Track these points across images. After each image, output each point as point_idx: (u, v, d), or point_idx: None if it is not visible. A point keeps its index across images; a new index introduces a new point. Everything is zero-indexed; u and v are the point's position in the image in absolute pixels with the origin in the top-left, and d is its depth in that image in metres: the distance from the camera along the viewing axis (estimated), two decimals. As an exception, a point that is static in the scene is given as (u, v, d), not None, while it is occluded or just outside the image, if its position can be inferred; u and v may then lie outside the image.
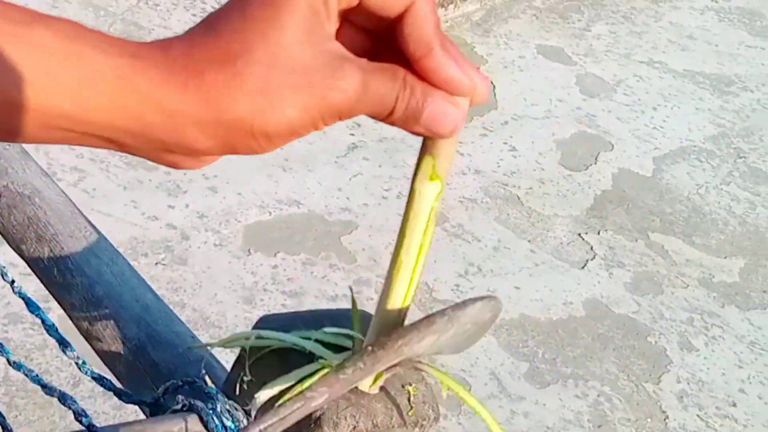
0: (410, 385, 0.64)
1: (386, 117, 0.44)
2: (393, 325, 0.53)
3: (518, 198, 2.79)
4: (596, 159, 3.03)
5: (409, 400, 0.63)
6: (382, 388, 0.62)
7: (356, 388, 0.61)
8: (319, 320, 0.66)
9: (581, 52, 3.55)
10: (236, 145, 0.42)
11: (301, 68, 0.42)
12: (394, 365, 0.55)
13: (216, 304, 2.20)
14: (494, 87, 3.24)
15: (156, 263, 2.26)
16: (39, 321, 2.05)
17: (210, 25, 0.42)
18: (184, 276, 2.26)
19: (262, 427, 0.47)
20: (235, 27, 0.42)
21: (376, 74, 0.43)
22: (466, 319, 0.50)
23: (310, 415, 0.60)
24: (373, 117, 0.45)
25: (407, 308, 0.53)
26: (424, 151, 0.48)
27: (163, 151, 0.43)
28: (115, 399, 1.97)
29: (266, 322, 0.65)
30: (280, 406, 0.49)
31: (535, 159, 2.97)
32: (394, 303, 0.52)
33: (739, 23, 3.97)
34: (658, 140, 3.18)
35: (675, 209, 2.90)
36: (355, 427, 0.60)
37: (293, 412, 0.48)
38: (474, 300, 0.49)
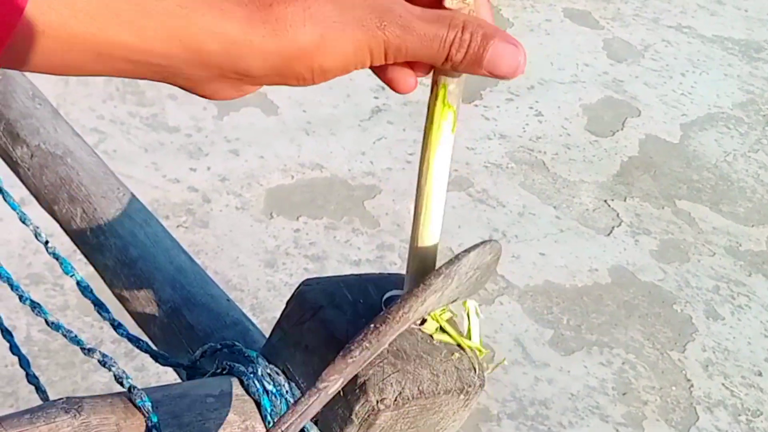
0: (456, 352, 0.63)
1: (445, 62, 0.46)
2: (427, 267, 0.54)
3: (544, 163, 2.76)
4: (623, 125, 2.99)
5: (455, 366, 0.62)
6: (428, 352, 0.61)
7: (403, 351, 0.60)
8: (364, 285, 0.65)
9: (609, 16, 3.49)
10: (289, 75, 0.44)
11: (360, 6, 0.44)
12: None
13: (238, 268, 2.20)
14: (520, 51, 3.19)
15: (177, 226, 2.26)
16: (60, 283, 2.05)
17: None
18: (206, 239, 2.25)
19: (283, 427, 0.47)
20: None
21: (428, 21, 0.45)
22: (464, 269, 0.50)
23: (355, 380, 0.59)
24: (431, 62, 0.47)
25: (436, 247, 0.54)
26: (437, 81, 0.49)
27: (214, 78, 0.44)
28: (137, 361, 1.98)
29: (309, 287, 0.64)
30: (296, 402, 0.48)
31: (561, 124, 2.93)
32: (426, 241, 0.54)
33: (769, -13, 3.90)
34: (686, 106, 3.13)
35: (702, 176, 2.86)
36: (400, 393, 0.59)
37: (311, 405, 0.48)
38: (467, 251, 0.49)
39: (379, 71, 0.48)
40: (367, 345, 0.48)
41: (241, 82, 0.45)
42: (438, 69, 0.49)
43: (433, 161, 0.52)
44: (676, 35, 3.48)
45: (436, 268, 0.50)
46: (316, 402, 0.48)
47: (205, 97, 0.46)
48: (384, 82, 0.49)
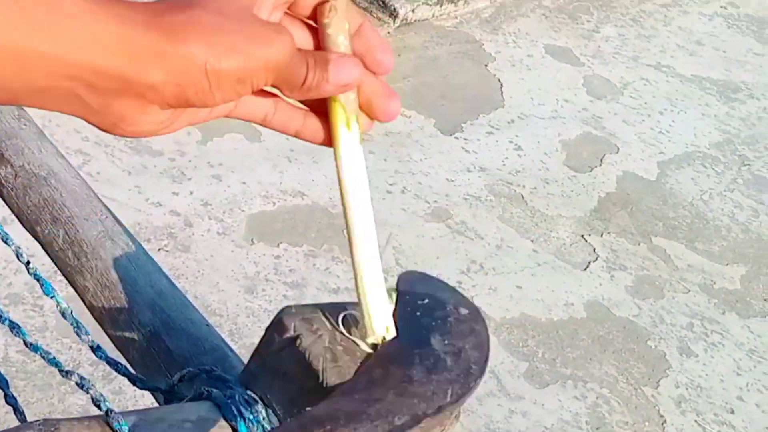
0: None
1: (300, 86, 0.51)
2: (381, 306, 0.57)
3: (522, 197, 2.79)
4: (601, 161, 3.03)
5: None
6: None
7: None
8: (342, 312, 0.66)
9: (589, 54, 3.54)
10: (189, 85, 0.47)
11: (249, 23, 0.48)
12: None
13: (217, 293, 2.20)
14: (501, 85, 3.23)
15: (159, 249, 2.26)
16: (40, 303, 2.03)
17: None
18: (187, 263, 2.25)
19: None
20: None
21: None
22: None
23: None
24: (288, 88, 0.51)
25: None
26: (332, 105, 0.55)
27: (120, 95, 0.46)
28: (114, 384, 1.97)
29: (288, 314, 0.64)
30: None
31: (541, 159, 2.96)
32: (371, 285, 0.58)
33: (747, 30, 3.97)
34: (664, 144, 3.18)
35: (678, 214, 2.90)
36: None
37: None
38: None
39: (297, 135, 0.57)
40: None
41: (145, 98, 0.47)
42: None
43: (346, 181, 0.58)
44: (655, 74, 3.54)
45: None
46: None
47: (112, 130, 0.49)
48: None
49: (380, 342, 0.60)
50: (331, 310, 0.66)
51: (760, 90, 3.61)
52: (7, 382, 0.75)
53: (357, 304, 0.68)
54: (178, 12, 0.47)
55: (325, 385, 0.60)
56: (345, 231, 0.58)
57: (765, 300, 2.66)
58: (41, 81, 0.45)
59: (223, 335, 2.25)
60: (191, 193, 2.46)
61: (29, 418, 0.81)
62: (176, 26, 0.46)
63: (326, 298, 2.24)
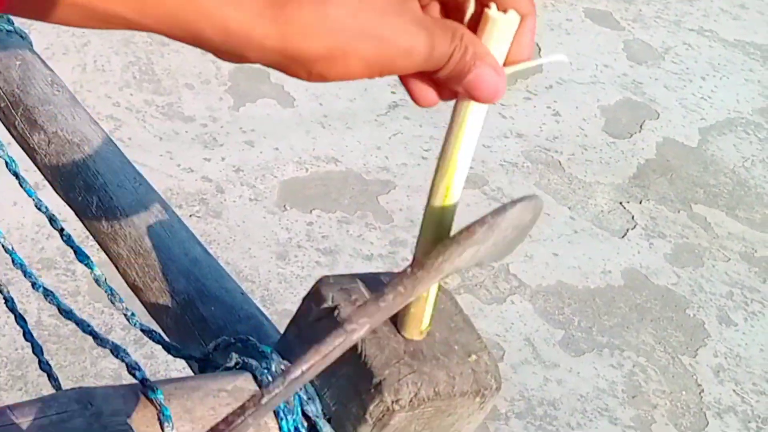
0: (473, 354, 0.62)
1: (433, 72, 0.45)
2: (443, 229, 0.52)
3: (560, 164, 2.75)
4: (641, 127, 2.97)
5: (471, 369, 0.61)
6: (444, 354, 0.60)
7: (420, 352, 0.60)
8: (381, 283, 0.64)
9: (630, 18, 3.47)
10: (285, 69, 0.42)
11: (383, 26, 0.42)
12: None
13: (249, 259, 2.19)
14: (539, 50, 3.18)
15: (190, 215, 2.26)
16: (72, 268, 2.05)
17: None
18: (218, 229, 2.25)
19: (305, 367, 0.45)
20: None
21: (440, 34, 0.44)
22: (506, 224, 0.47)
23: (370, 380, 0.58)
24: (426, 69, 0.45)
25: (455, 208, 0.52)
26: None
27: (211, 50, 0.43)
28: (146, 349, 1.98)
29: (326, 284, 0.63)
30: (320, 343, 0.46)
31: (579, 125, 2.92)
32: (445, 203, 0.52)
33: (793, -8, 3.86)
34: (705, 110, 3.11)
35: (719, 181, 2.84)
36: (416, 394, 0.58)
37: (335, 348, 0.45)
38: (513, 202, 0.46)
39: (402, 80, 0.48)
40: (402, 290, 0.45)
41: (237, 60, 0.43)
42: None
43: (468, 114, 0.50)
44: (697, 39, 3.46)
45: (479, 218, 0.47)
46: (340, 345, 0.45)
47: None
48: (407, 91, 0.48)
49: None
50: (370, 279, 0.65)
51: (805, 54, 3.51)
52: (41, 348, 0.75)
53: (395, 274, 0.66)
54: (306, 5, 0.40)
55: (363, 356, 0.59)
56: (435, 173, 0.52)
57: (807, 269, 2.61)
58: (123, 28, 0.42)
59: (255, 301, 2.26)
60: (223, 159, 2.45)
61: (62, 382, 0.80)
62: (295, 25, 0.40)
63: (359, 265, 2.23)
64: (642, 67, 3.23)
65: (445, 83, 0.46)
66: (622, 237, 2.55)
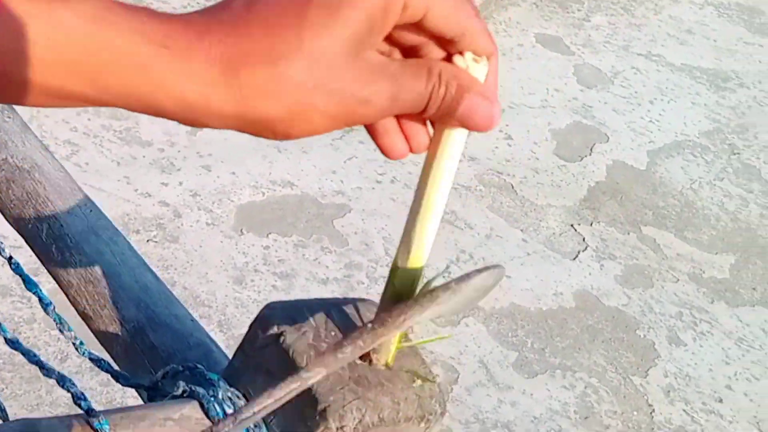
0: (418, 379, 0.63)
1: (420, 113, 0.44)
2: (409, 289, 0.53)
3: (512, 187, 2.79)
4: (591, 150, 3.03)
5: (416, 394, 0.62)
6: (389, 379, 0.62)
7: (365, 378, 0.61)
8: (327, 309, 0.65)
9: (579, 43, 3.54)
10: (252, 132, 0.42)
11: (338, 79, 0.41)
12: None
13: (206, 284, 2.19)
14: (492, 74, 3.23)
15: (147, 240, 2.25)
16: (27, 295, 2.03)
17: (255, 10, 0.41)
18: (176, 254, 2.25)
19: (256, 409, 0.46)
20: (288, 22, 0.40)
21: (409, 76, 0.43)
22: (469, 288, 0.49)
23: (315, 407, 0.59)
24: (405, 115, 0.45)
25: (422, 271, 0.53)
26: None
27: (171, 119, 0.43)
28: (103, 375, 1.96)
29: (272, 311, 0.64)
30: (274, 387, 0.47)
31: (530, 148, 2.96)
32: (414, 262, 0.53)
33: (738, 19, 3.97)
34: (654, 134, 3.18)
35: (668, 203, 2.90)
36: (360, 420, 0.59)
37: (290, 392, 0.47)
38: (479, 271, 0.48)
39: (371, 134, 0.47)
40: (361, 344, 0.47)
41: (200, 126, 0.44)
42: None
43: (440, 174, 0.49)
44: (645, 63, 3.54)
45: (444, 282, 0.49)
46: (294, 390, 0.47)
47: None
48: (377, 145, 0.47)
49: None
50: (316, 305, 0.66)
51: (750, 79, 3.61)
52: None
53: (342, 301, 0.68)
54: (260, 68, 0.40)
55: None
56: (415, 202, 0.51)
57: (754, 289, 2.67)
58: (84, 105, 0.42)
59: (212, 326, 2.24)
60: (180, 183, 2.45)
61: (17, 411, 0.80)
62: (246, 89, 0.40)
63: (315, 289, 2.24)
64: (592, 91, 3.30)
65: (438, 121, 0.46)
66: (574, 259, 2.59)
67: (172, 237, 2.29)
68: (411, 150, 0.48)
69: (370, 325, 0.48)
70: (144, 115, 0.43)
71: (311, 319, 0.64)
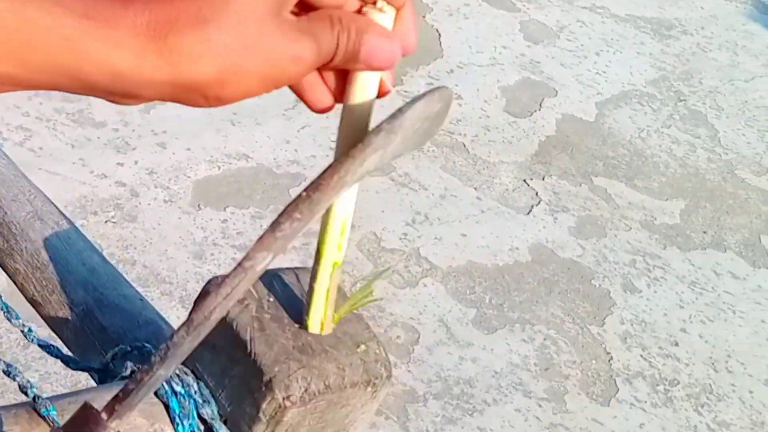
0: (362, 344, 0.64)
1: (327, 64, 0.45)
2: (360, 130, 0.49)
3: (464, 146, 2.81)
4: (540, 105, 3.05)
5: (360, 359, 0.64)
6: (333, 346, 0.63)
7: (308, 347, 0.62)
8: (269, 280, 0.66)
9: (525, -1, 3.55)
10: (182, 100, 0.43)
11: (267, 39, 0.42)
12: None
13: (167, 260, 2.19)
14: (440, 35, 3.23)
15: (106, 221, 2.24)
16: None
17: None
18: (134, 233, 2.24)
19: (206, 312, 0.44)
20: None
21: (319, 28, 0.44)
22: (409, 123, 0.46)
23: (261, 378, 0.61)
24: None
25: (372, 106, 0.50)
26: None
27: (101, 95, 0.43)
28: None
29: (215, 284, 0.65)
30: (220, 284, 0.45)
31: (481, 106, 2.98)
32: (360, 98, 0.49)
33: (679, -34, 4.00)
34: (601, 85, 3.21)
35: (617, 153, 2.94)
36: (306, 389, 0.60)
37: (237, 286, 0.45)
38: (412, 101, 0.45)
39: (297, 92, 0.48)
40: (298, 216, 0.44)
41: (132, 100, 0.44)
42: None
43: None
44: (590, 15, 3.56)
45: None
46: (242, 282, 0.44)
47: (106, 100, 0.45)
48: (304, 102, 0.48)
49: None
50: (262, 276, 0.67)
51: (692, 25, 3.65)
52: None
53: (282, 270, 0.69)
54: (187, 33, 0.40)
55: (253, 354, 0.61)
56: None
57: (704, 232, 2.73)
58: (12, 89, 0.41)
59: (173, 302, 2.25)
60: (136, 162, 2.44)
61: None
62: (180, 53, 0.40)
63: (275, 259, 2.25)
64: (539, 46, 3.32)
65: (344, 68, 0.46)
66: (528, 213, 2.63)
67: (130, 216, 2.28)
68: (336, 100, 0.48)
69: (304, 193, 0.44)
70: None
71: (252, 291, 0.65)
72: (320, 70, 0.47)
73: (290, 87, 0.47)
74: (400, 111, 0.45)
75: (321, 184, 0.43)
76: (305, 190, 0.44)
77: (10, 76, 0.40)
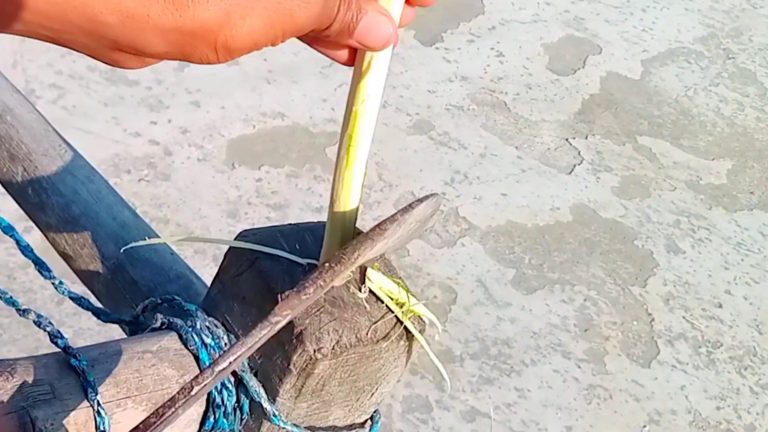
0: (395, 298, 0.63)
1: (322, 32, 0.45)
2: (346, 229, 0.57)
3: (505, 104, 2.76)
4: (584, 63, 2.99)
5: (393, 313, 0.62)
6: (366, 300, 0.61)
7: (340, 300, 0.61)
8: (300, 234, 0.65)
9: (568, -47, 3.46)
10: (191, 54, 0.42)
11: None
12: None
13: (200, 219, 2.19)
14: (479, -9, 3.17)
15: (139, 180, 2.24)
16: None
17: None
18: (168, 192, 2.24)
19: (232, 359, 0.48)
20: None
21: None
22: (412, 219, 0.52)
23: (292, 330, 0.59)
24: (312, 34, 0.46)
25: (357, 210, 0.56)
26: None
27: (110, 49, 0.42)
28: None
29: (245, 237, 0.64)
30: (246, 336, 0.49)
31: (523, 64, 2.92)
32: (346, 206, 0.57)
33: None
34: (647, 42, 3.13)
35: (663, 112, 2.87)
36: (338, 341, 0.59)
37: (260, 338, 0.49)
38: (419, 201, 0.52)
39: (313, 46, 0.48)
40: (321, 284, 0.50)
41: (140, 56, 0.42)
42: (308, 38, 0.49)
43: (361, 112, 0.54)
44: (636, -30, 3.47)
45: (391, 215, 0.52)
46: (265, 335, 0.49)
47: (110, 65, 0.44)
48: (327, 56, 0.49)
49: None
50: (289, 231, 0.65)
51: (743, -20, 3.54)
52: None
53: (314, 225, 0.67)
54: None
55: (283, 307, 0.60)
56: (341, 137, 0.56)
57: (751, 193, 2.66)
58: (21, 28, 0.40)
59: (207, 261, 2.24)
60: (170, 121, 2.43)
61: (16, 355, 0.80)
62: None
63: (309, 218, 2.24)
64: (583, 2, 3.24)
65: (337, 41, 0.46)
66: (569, 173, 2.58)
67: (163, 175, 2.28)
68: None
69: (327, 264, 0.50)
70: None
71: (285, 244, 0.64)
72: (318, 44, 0.48)
73: (309, 43, 0.48)
74: (410, 206, 0.51)
75: (342, 259, 0.51)
76: (329, 262, 0.50)
77: (19, 4, 0.39)
